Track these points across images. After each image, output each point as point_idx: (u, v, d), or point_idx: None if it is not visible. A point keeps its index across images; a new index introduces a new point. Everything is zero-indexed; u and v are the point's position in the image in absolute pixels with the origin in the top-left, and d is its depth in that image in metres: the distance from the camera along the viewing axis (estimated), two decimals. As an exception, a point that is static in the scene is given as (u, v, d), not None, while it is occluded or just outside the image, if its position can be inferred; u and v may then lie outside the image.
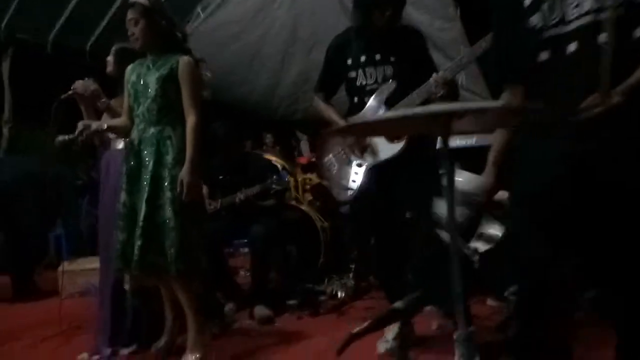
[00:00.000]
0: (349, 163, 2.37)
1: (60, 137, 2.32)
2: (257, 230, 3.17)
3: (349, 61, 2.32)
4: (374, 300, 3.21)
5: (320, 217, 3.63)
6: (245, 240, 3.42)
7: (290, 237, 3.52)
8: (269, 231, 3.19)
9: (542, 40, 1.30)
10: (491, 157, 1.57)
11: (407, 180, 2.21)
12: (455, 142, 2.84)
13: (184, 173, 2.12)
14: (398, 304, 1.87)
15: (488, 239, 1.63)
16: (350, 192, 2.37)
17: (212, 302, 2.83)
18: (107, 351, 2.38)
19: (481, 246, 1.61)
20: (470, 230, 1.62)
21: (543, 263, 1.31)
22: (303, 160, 4.82)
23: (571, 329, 1.45)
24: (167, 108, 2.21)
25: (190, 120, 2.17)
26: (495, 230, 1.63)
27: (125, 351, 2.40)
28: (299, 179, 3.81)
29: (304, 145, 5.71)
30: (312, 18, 5.15)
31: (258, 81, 5.65)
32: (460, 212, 1.44)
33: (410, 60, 2.25)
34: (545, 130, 1.30)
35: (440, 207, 1.59)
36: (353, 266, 3.46)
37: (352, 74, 2.31)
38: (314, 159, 3.93)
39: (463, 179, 1.60)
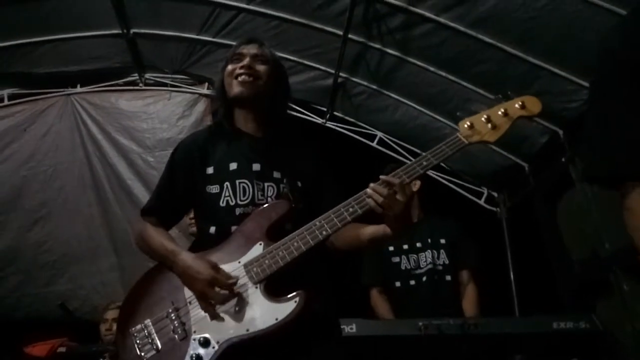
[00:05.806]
0: (185, 337, 1.52)
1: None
2: None
3: (210, 169, 1.59)
4: None
5: None
6: None
7: None
8: None
9: None
10: None
11: None
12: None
13: None
14: None
15: None
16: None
17: None
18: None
19: None
20: None
21: None
22: (38, 350, 2.48)
23: None
24: None
25: None
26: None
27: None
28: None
29: None
30: (47, 186, 4.24)
31: None
32: None
33: (306, 183, 1.61)
34: None
35: None
36: None
37: (213, 189, 1.56)
38: (62, 348, 2.49)
39: None
